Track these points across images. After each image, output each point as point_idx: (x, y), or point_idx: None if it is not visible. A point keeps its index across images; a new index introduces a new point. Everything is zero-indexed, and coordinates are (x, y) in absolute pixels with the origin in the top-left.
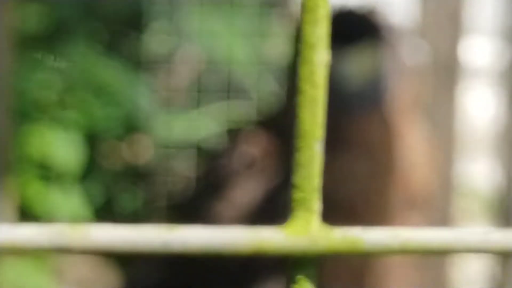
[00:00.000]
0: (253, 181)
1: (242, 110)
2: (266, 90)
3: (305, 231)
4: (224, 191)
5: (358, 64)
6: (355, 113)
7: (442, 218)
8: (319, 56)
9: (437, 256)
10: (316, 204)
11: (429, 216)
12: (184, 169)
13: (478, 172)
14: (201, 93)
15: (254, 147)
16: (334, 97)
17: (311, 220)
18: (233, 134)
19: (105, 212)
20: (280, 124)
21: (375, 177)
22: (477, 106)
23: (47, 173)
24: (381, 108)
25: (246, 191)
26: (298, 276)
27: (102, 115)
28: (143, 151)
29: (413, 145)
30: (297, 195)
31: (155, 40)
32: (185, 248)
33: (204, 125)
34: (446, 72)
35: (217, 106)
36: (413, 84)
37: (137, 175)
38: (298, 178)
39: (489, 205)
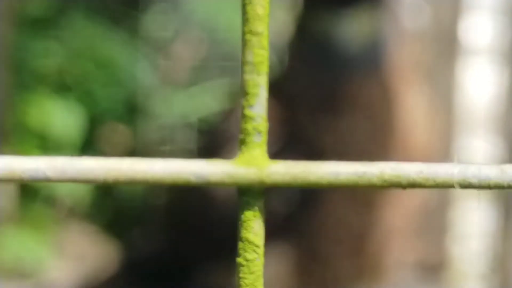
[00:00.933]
0: None
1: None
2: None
3: (254, 163)
4: (225, 155)
5: (358, 26)
6: (355, 75)
7: (441, 194)
8: None
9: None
10: (263, 139)
11: None
12: (185, 145)
13: (476, 147)
14: (202, 70)
15: None
16: (334, 59)
17: (259, 153)
18: (234, 103)
19: (103, 186)
20: (280, 89)
21: (375, 138)
22: (477, 83)
23: (45, 143)
24: (380, 70)
25: None
26: (246, 207)
27: (102, 90)
28: (143, 128)
29: (412, 107)
30: (246, 128)
31: (156, 18)
32: (149, 178)
33: (205, 102)
34: (447, 45)
35: (218, 83)
36: (413, 47)
37: (137, 151)
38: (250, 110)
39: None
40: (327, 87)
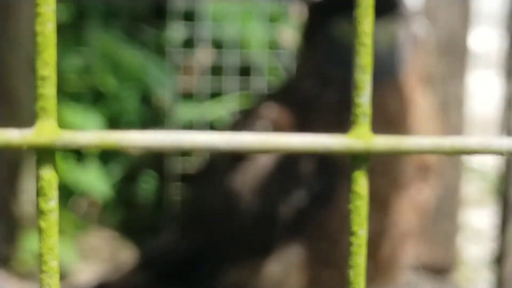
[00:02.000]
0: (266, 155)
1: (257, 92)
2: (280, 73)
3: (361, 137)
4: (238, 163)
5: (379, 36)
6: (376, 84)
7: (451, 196)
8: None
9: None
10: (368, 120)
11: (438, 187)
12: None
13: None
14: (216, 76)
15: (267, 120)
16: (349, 67)
17: (365, 130)
18: (246, 109)
19: (124, 188)
20: (291, 97)
21: None
22: (484, 90)
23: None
24: (396, 80)
25: (260, 163)
26: (356, 168)
27: (121, 97)
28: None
29: (426, 116)
30: (356, 112)
31: (173, 26)
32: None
33: (221, 114)
34: (455, 56)
35: (233, 95)
36: (424, 59)
37: (154, 155)
38: (359, 99)
39: (493, 186)
40: (342, 95)
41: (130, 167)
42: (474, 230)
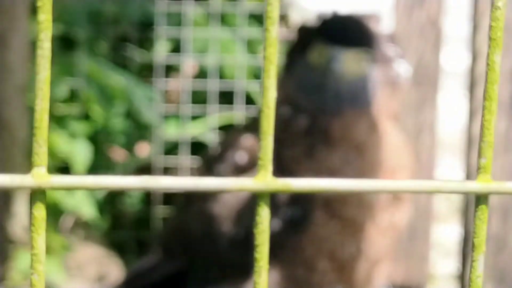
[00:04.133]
0: None
1: (238, 117)
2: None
3: (263, 180)
4: (217, 194)
5: (351, 66)
6: (346, 112)
7: (424, 214)
8: None
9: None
10: (270, 166)
11: (411, 208)
12: (182, 168)
13: (458, 173)
14: (198, 99)
15: (243, 150)
16: (327, 96)
17: (267, 174)
18: (224, 137)
19: (110, 205)
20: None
21: (364, 174)
22: (455, 110)
23: (54, 171)
24: (370, 109)
25: (238, 194)
26: (260, 204)
27: (107, 120)
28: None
29: (397, 146)
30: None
31: (156, 50)
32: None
33: (203, 129)
34: (427, 82)
35: (215, 116)
36: (400, 100)
37: (138, 172)
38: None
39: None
40: (317, 121)
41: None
42: (445, 246)
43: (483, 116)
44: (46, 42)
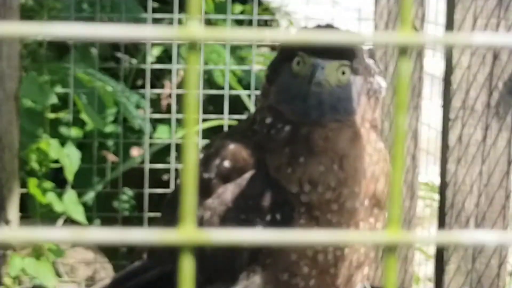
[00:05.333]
0: (228, 190)
1: (226, 122)
2: (244, 103)
3: (184, 232)
4: (202, 200)
5: (333, 76)
6: (328, 122)
7: (406, 219)
8: None
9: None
10: (193, 219)
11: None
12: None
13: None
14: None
15: (226, 159)
16: (309, 106)
17: (190, 226)
18: (207, 143)
19: (99, 210)
20: (249, 133)
21: (345, 183)
22: (436, 114)
23: (45, 179)
24: (351, 119)
25: (224, 197)
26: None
27: (97, 125)
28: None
29: (378, 154)
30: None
31: (147, 57)
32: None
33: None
34: (412, 89)
35: (205, 123)
36: (377, 108)
37: (128, 178)
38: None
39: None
40: (299, 130)
41: (110, 184)
42: (429, 249)
43: (393, 173)
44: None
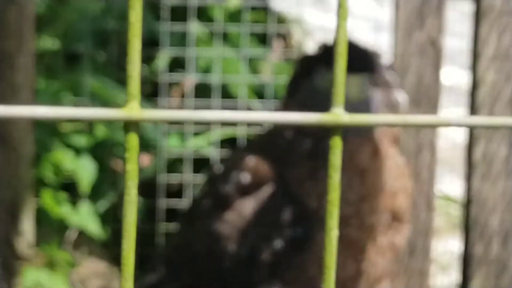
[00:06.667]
0: (248, 204)
1: (241, 132)
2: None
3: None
4: (222, 210)
5: (354, 90)
6: (348, 136)
7: (424, 230)
8: None
9: None
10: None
11: (410, 228)
12: (185, 184)
13: (457, 188)
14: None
15: (247, 171)
16: None
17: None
18: (227, 157)
19: (112, 220)
20: (270, 146)
21: (365, 198)
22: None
23: (59, 189)
24: (372, 133)
25: (243, 211)
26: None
27: (108, 135)
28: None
29: (397, 169)
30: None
31: (160, 67)
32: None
33: (204, 143)
34: (427, 101)
35: (216, 131)
36: (399, 112)
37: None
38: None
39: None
40: (320, 145)
41: (120, 197)
42: (445, 260)
43: None
44: (133, 189)
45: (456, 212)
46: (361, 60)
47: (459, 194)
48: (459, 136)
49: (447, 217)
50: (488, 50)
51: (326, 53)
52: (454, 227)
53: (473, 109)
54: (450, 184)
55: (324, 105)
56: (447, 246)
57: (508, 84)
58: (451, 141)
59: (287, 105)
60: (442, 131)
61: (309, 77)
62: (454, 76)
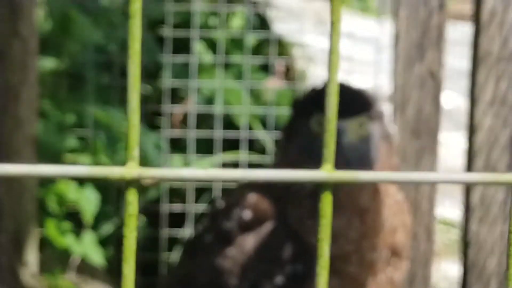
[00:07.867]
0: (249, 240)
1: (243, 157)
2: (262, 143)
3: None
4: (223, 249)
5: (354, 133)
6: None
7: (422, 259)
8: None
9: None
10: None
11: (409, 260)
12: (188, 213)
13: (456, 211)
14: (204, 146)
15: (248, 209)
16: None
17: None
18: (229, 193)
19: (115, 246)
20: (270, 185)
21: (366, 236)
22: (455, 150)
23: (63, 218)
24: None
25: (245, 247)
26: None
27: (112, 162)
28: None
29: (396, 205)
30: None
31: (164, 99)
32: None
33: (207, 166)
34: (427, 134)
35: (218, 158)
36: (395, 154)
37: (143, 214)
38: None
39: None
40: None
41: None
42: (445, 282)
43: None
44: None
45: (455, 236)
46: (357, 102)
47: (457, 217)
48: (459, 162)
49: (446, 241)
50: (486, 95)
51: (319, 97)
52: (453, 251)
53: (471, 154)
54: (449, 208)
55: (320, 151)
56: (446, 270)
57: (505, 129)
58: (450, 165)
59: (286, 150)
60: (441, 157)
61: (306, 121)
62: (454, 100)
